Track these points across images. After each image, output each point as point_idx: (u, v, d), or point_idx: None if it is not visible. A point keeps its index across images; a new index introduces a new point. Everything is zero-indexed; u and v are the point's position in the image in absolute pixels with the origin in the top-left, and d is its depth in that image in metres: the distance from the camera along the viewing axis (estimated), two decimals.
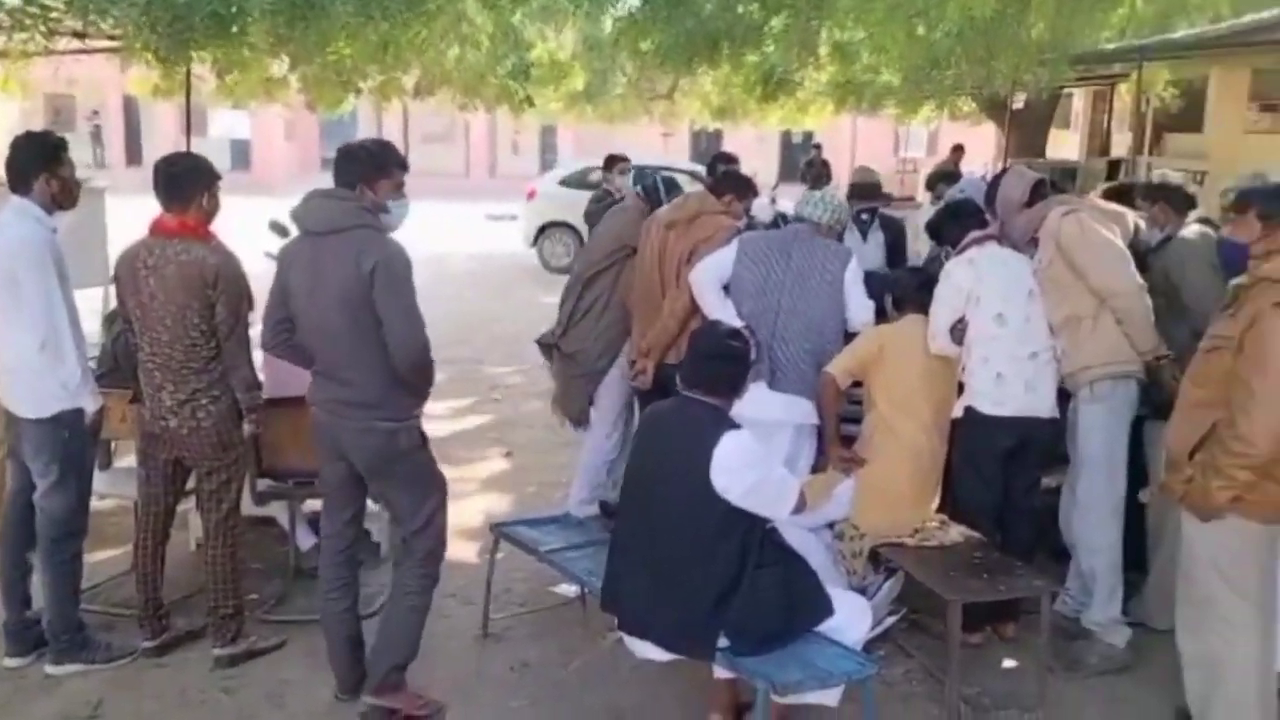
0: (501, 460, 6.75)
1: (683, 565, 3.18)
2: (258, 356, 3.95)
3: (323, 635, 3.73)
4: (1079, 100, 20.37)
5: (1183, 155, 14.56)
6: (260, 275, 3.73)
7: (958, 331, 4.06)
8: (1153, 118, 14.82)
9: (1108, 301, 4.00)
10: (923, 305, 4.22)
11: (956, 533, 3.94)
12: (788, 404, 4.29)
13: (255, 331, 3.79)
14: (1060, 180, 14.52)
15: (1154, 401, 4.06)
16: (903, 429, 4.07)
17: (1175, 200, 4.39)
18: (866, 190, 6.14)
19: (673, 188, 5.16)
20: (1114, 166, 14.95)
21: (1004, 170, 4.56)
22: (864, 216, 5.81)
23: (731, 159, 6.02)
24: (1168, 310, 4.13)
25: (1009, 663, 4.01)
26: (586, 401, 5.33)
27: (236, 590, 3.98)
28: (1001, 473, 4.07)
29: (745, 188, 4.92)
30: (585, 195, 15.25)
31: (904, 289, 4.34)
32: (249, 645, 4.01)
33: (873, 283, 4.51)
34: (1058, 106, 16.65)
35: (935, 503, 4.17)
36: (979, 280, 4.04)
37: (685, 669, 3.50)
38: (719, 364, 3.26)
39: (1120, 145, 18.04)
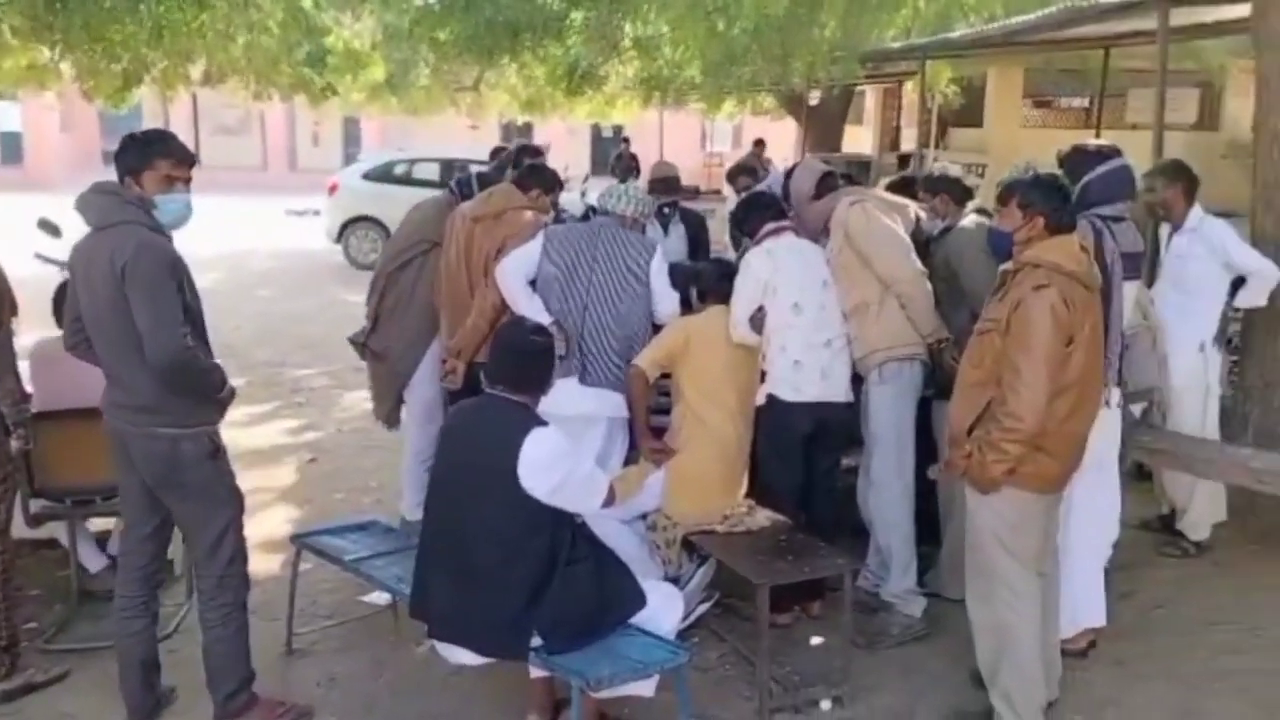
0: (306, 467, 6.49)
1: (492, 566, 3.13)
2: (25, 366, 3.64)
3: (113, 662, 3.48)
4: (870, 97, 21.33)
5: (966, 149, 15.50)
6: (30, 280, 3.44)
7: (757, 320, 4.16)
8: (938, 114, 15.66)
9: (892, 288, 4.19)
10: (725, 296, 4.30)
11: (764, 516, 4.04)
12: (598, 398, 4.29)
13: (28, 340, 3.49)
14: (856, 174, 15.26)
15: (938, 383, 4.29)
16: (710, 418, 4.14)
17: (954, 192, 4.64)
18: (666, 184, 6.22)
19: (488, 183, 5.06)
20: (904, 160, 15.75)
21: (795, 164, 4.71)
22: (665, 210, 5.88)
23: (538, 151, 5.96)
24: (948, 296, 4.35)
25: (816, 639, 4.14)
26: (396, 401, 5.20)
27: (9, 620, 3.67)
28: (803, 456, 4.20)
29: (552, 181, 4.90)
30: (390, 189, 14.99)
31: (707, 280, 4.41)
32: (26, 679, 3.70)
33: (677, 274, 4.56)
34: (851, 103, 17.35)
35: (743, 488, 4.26)
36: (776, 270, 4.15)
37: (500, 671, 3.46)
38: (523, 360, 3.22)
39: (909, 140, 19.02)
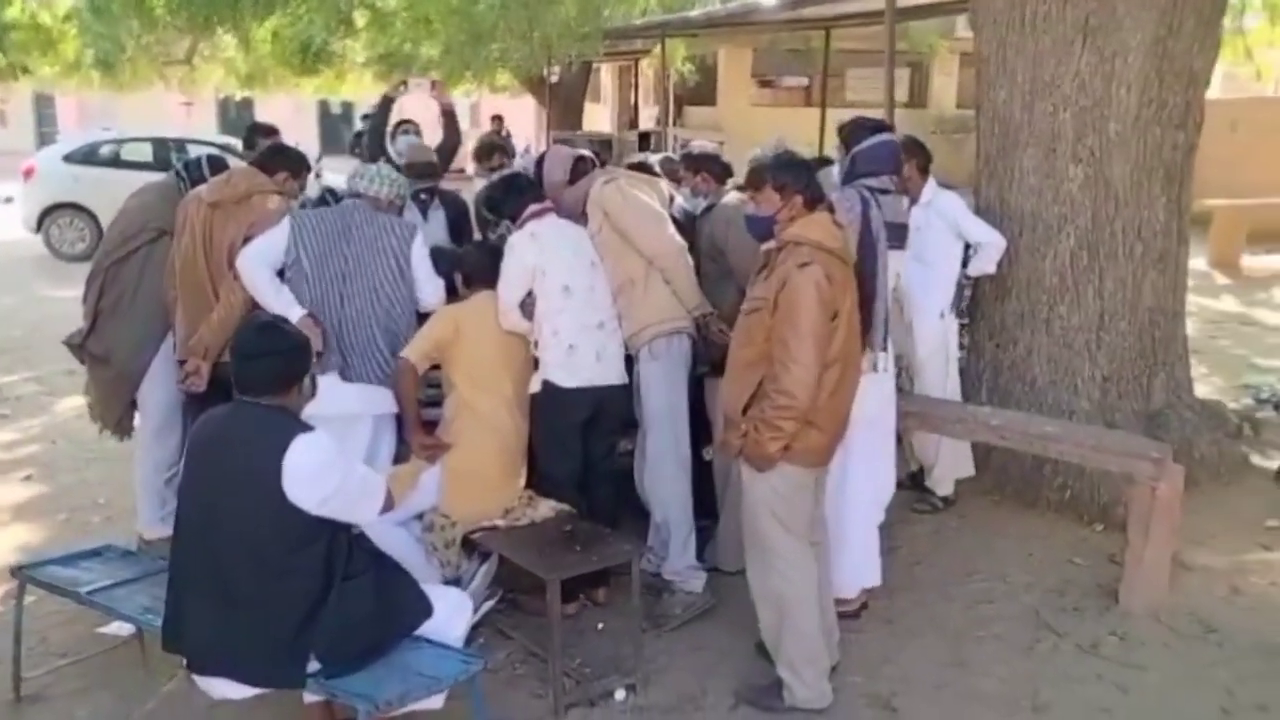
0: (20, 486, 5.77)
1: (257, 589, 2.84)
2: None
3: None
4: (607, 75, 21.58)
5: (701, 126, 15.94)
6: None
7: (527, 306, 4.02)
8: (674, 92, 16.04)
9: (655, 262, 4.16)
10: (492, 281, 4.13)
11: (546, 507, 3.92)
12: (364, 395, 4.02)
13: None
14: (600, 150, 15.38)
15: (710, 360, 4.31)
16: (485, 408, 3.97)
17: (715, 169, 4.66)
18: (422, 169, 5.92)
19: (219, 167, 4.60)
20: (645, 137, 16.04)
21: (543, 155, 4.59)
22: (423, 196, 5.61)
23: (272, 130, 5.50)
24: (715, 273, 4.38)
25: (602, 626, 4.08)
26: (126, 407, 4.69)
27: None
28: (581, 442, 4.10)
29: (299, 163, 4.52)
30: (97, 172, 13.63)
31: (472, 265, 4.22)
32: None
33: (440, 260, 4.35)
34: (589, 81, 17.48)
35: (523, 479, 4.12)
36: (542, 253, 4.02)
37: (271, 701, 3.15)
38: (265, 363, 2.91)
39: (647, 118, 19.40)
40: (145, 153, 14.07)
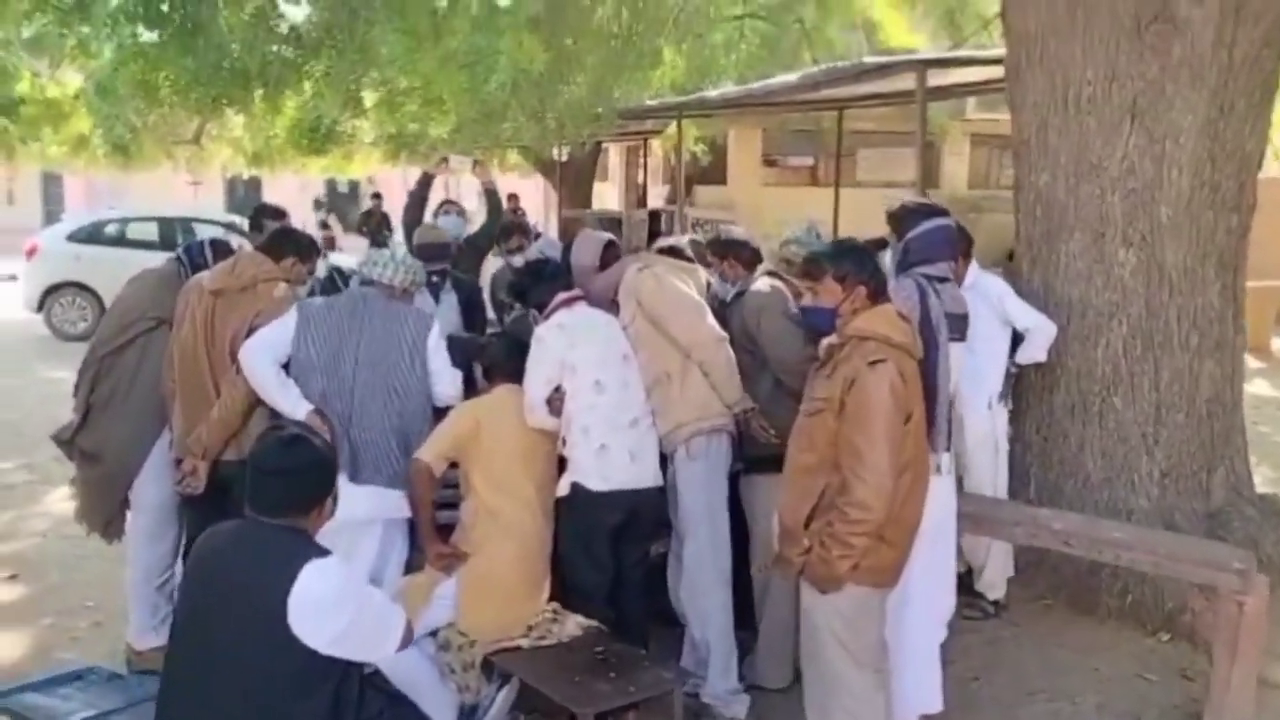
0: (3, 586, 5.40)
1: None
2: None
3: None
4: (614, 155, 21.59)
5: (711, 205, 15.81)
6: None
7: (555, 402, 3.72)
8: (684, 171, 15.98)
9: (692, 355, 3.88)
10: (515, 374, 3.84)
11: (574, 624, 3.57)
12: (374, 498, 3.70)
13: None
14: (609, 229, 15.24)
15: (746, 456, 4.00)
16: (506, 513, 3.65)
17: (743, 254, 4.39)
18: (434, 251, 5.66)
19: (223, 251, 4.34)
20: (654, 216, 15.92)
21: (573, 237, 4.32)
22: (434, 278, 5.35)
23: (279, 212, 5.25)
24: (749, 363, 4.08)
25: None
26: (117, 508, 4.35)
27: None
28: (612, 550, 3.76)
29: (308, 247, 4.26)
30: (100, 251, 13.46)
31: (495, 357, 3.93)
32: None
33: (457, 350, 4.06)
34: (598, 161, 17.45)
35: (547, 591, 3.77)
36: (572, 346, 3.73)
37: None
38: (287, 481, 2.59)
39: (656, 196, 19.35)
40: (151, 232, 13.92)
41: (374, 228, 17.57)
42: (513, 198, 14.49)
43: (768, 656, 4.05)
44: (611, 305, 4.03)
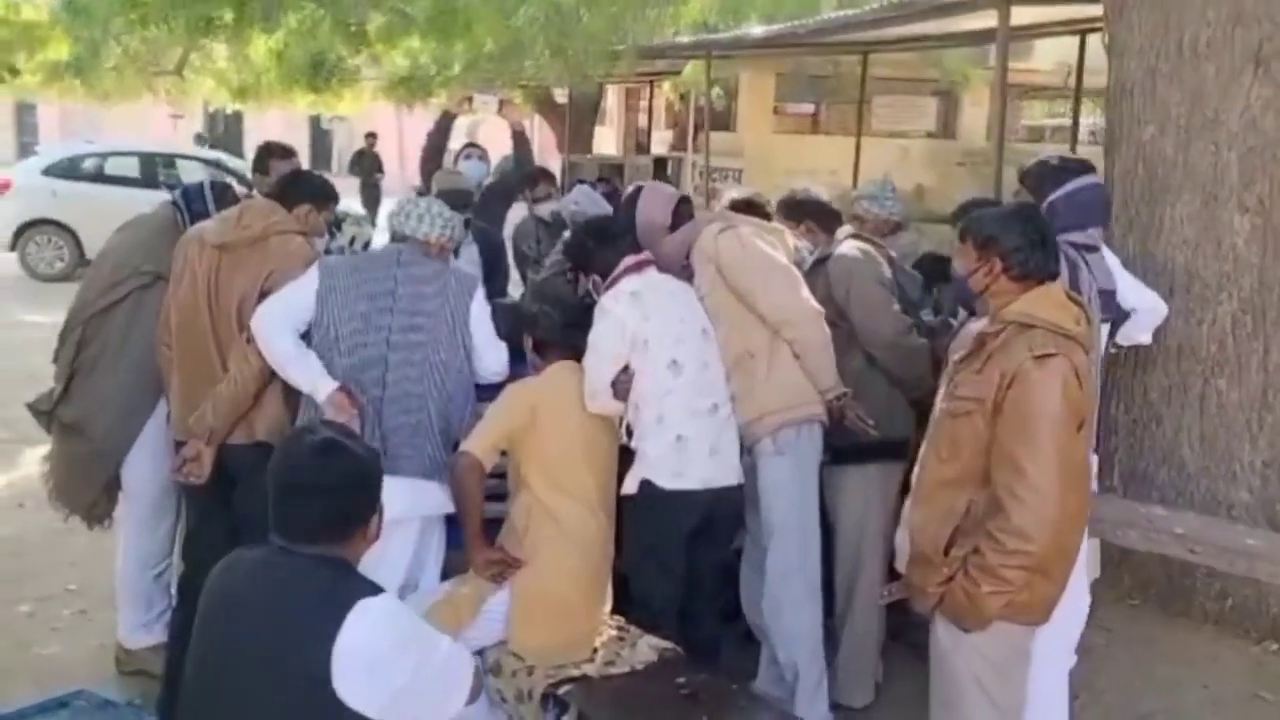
0: None
1: None
2: None
3: None
4: (612, 98, 20.80)
5: (719, 153, 15.14)
6: None
7: (622, 385, 3.18)
8: (692, 117, 15.33)
9: (782, 332, 3.35)
10: (572, 349, 3.31)
11: (646, 646, 3.06)
12: (410, 492, 3.14)
13: None
14: (609, 175, 14.58)
15: (833, 444, 3.48)
16: (565, 514, 3.12)
17: (822, 218, 3.85)
18: (454, 198, 5.04)
19: (226, 197, 3.74)
20: (660, 163, 15.28)
21: (638, 188, 3.73)
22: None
23: (289, 151, 4.62)
24: (837, 339, 3.55)
25: None
26: (102, 489, 3.81)
27: None
28: (685, 557, 3.25)
29: (324, 193, 3.66)
30: (78, 187, 12.76)
31: (548, 329, 3.37)
32: None
33: (502, 318, 3.50)
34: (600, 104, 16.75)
35: (609, 603, 3.26)
36: (645, 319, 3.19)
37: None
38: (322, 502, 2.04)
39: (659, 142, 18.65)
40: (131, 168, 13.25)
41: (366, 169, 16.86)
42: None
43: (850, 672, 3.58)
44: (680, 271, 3.48)
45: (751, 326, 3.32)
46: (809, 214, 3.87)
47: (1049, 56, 13.17)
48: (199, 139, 17.00)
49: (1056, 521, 2.41)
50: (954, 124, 16.35)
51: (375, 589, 2.01)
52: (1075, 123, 9.49)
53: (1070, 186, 3.18)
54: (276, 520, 2.02)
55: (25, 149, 22.32)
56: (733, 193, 3.90)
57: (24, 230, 12.73)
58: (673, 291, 3.30)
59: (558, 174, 14.97)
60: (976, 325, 2.63)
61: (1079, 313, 2.53)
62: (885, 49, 10.40)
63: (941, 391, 2.66)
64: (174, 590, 3.83)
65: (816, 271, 3.65)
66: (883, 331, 3.47)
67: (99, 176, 13.06)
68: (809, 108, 16.89)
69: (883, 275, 3.59)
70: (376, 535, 2.11)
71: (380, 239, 4.07)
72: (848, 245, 3.70)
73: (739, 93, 15.21)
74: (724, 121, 15.70)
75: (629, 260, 3.29)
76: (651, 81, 16.96)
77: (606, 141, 21.23)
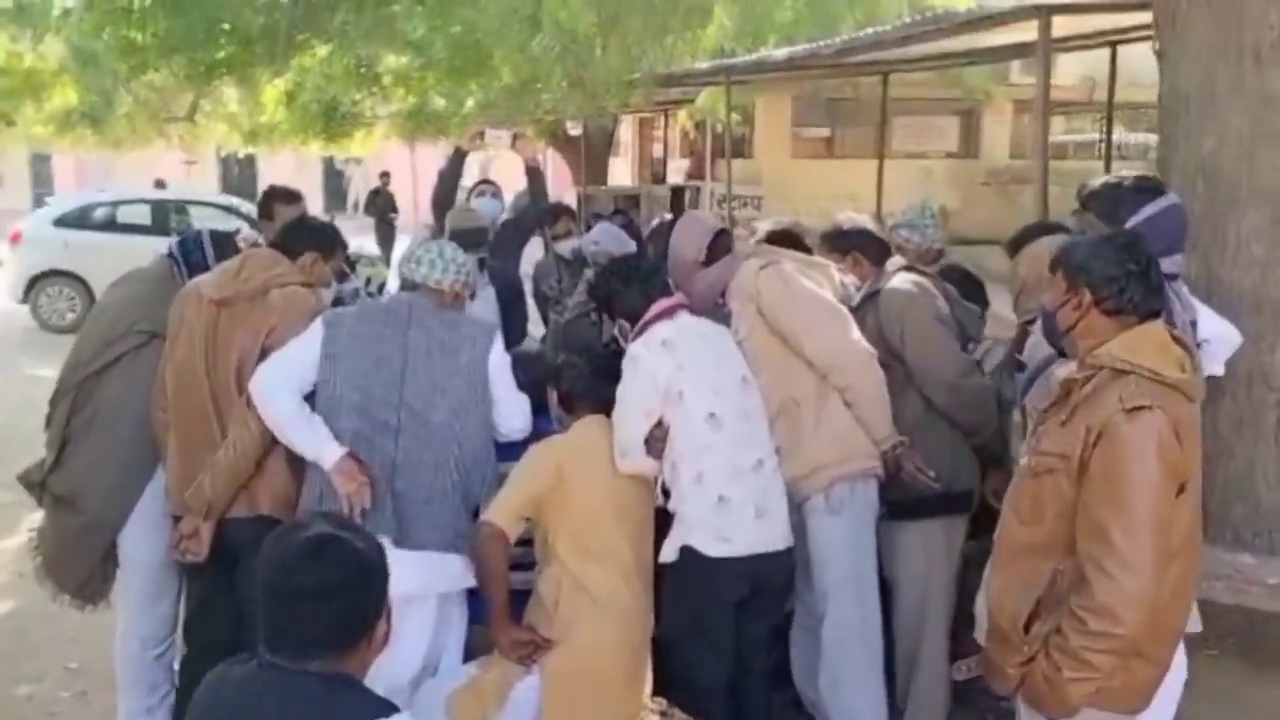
0: None
1: None
2: None
3: None
4: (626, 128, 20.64)
5: (737, 180, 14.92)
6: None
7: (656, 442, 2.89)
8: (708, 145, 15.09)
9: (830, 377, 3.05)
10: (601, 401, 3.02)
11: None
12: (428, 567, 2.87)
13: None
14: (626, 208, 14.36)
15: (889, 497, 3.18)
16: (599, 585, 2.83)
17: (870, 248, 3.55)
18: (469, 237, 4.80)
19: (225, 247, 3.49)
20: (677, 193, 15.03)
21: (672, 220, 3.44)
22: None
23: (293, 196, 4.37)
24: (891, 381, 3.25)
25: None
26: (97, 566, 3.53)
27: None
28: (733, 630, 2.94)
29: (331, 242, 3.40)
30: (90, 237, 12.62)
31: (574, 381, 3.09)
32: None
33: (523, 369, 3.22)
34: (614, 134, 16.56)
35: (649, 682, 2.96)
36: (679, 368, 2.90)
37: None
38: (317, 606, 1.72)
39: (675, 172, 18.43)
40: (143, 215, 13.09)
41: (381, 209, 16.71)
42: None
43: None
44: (715, 310, 3.20)
45: (797, 372, 3.04)
46: (855, 245, 3.56)
47: (1073, 71, 12.89)
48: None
49: (1151, 599, 2.10)
50: (976, 143, 16.04)
51: (386, 708, 1.72)
52: (1108, 137, 9.14)
53: (1150, 210, 2.88)
54: (267, 632, 1.72)
55: (40, 200, 22.36)
56: (768, 224, 3.61)
57: (36, 281, 12.59)
58: (707, 336, 3.02)
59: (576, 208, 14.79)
60: (1063, 369, 2.33)
61: (1183, 356, 2.21)
62: (909, 68, 10.16)
63: (1025, 443, 2.36)
64: (178, 671, 3.56)
65: (865, 308, 3.35)
66: (942, 372, 3.17)
67: (111, 225, 12.91)
68: (825, 131, 16.65)
69: (940, 310, 3.30)
70: (384, 643, 1.81)
71: (395, 281, 3.83)
72: (899, 279, 3.40)
73: (755, 118, 14.97)
74: (740, 148, 15.48)
75: (660, 304, 3.01)
76: (666, 110, 16.78)
77: (621, 173, 21.05)
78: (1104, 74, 7.95)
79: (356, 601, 1.75)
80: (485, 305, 4.79)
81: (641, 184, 19.14)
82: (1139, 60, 7.14)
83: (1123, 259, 2.25)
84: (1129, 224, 2.81)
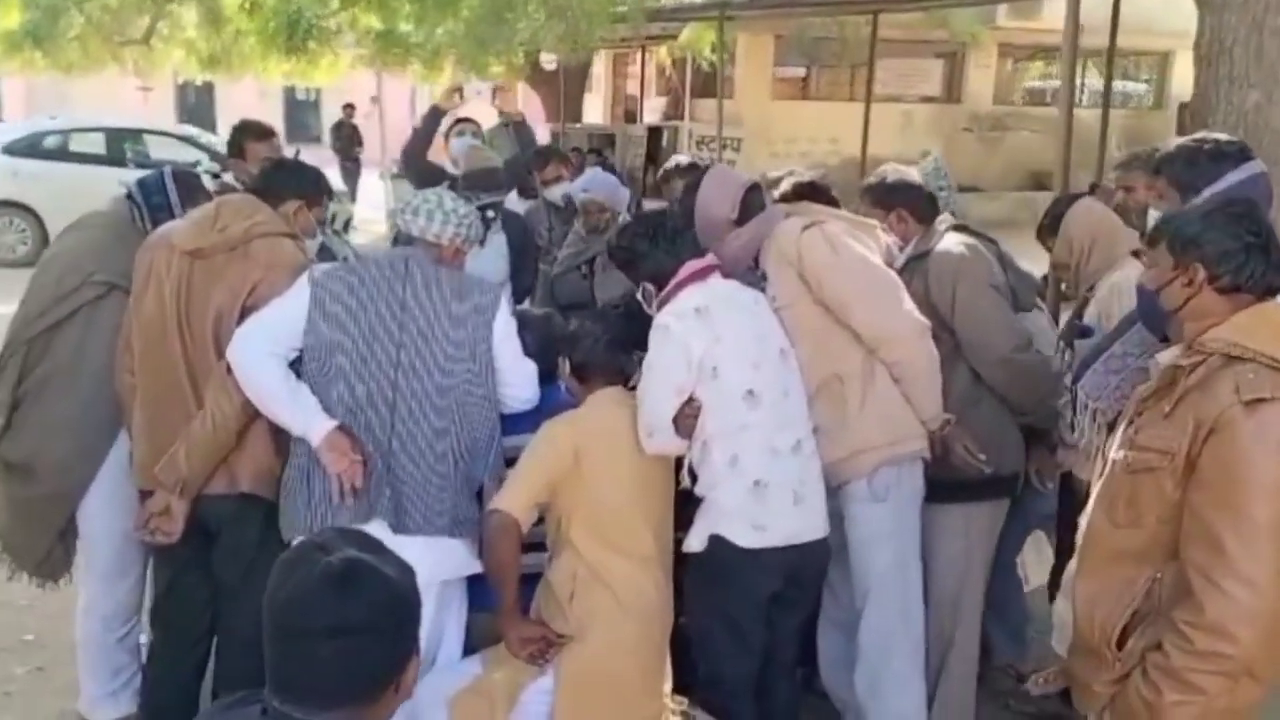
0: None
1: None
2: None
3: None
4: (600, 65, 20.06)
5: (714, 121, 14.54)
6: None
7: (685, 420, 2.60)
8: (684, 84, 14.67)
9: (879, 351, 2.78)
10: (618, 371, 2.73)
11: None
12: (429, 554, 2.55)
13: None
14: (600, 146, 13.91)
15: (931, 478, 2.92)
16: (619, 576, 2.57)
17: (918, 205, 3.22)
18: (485, 179, 4.40)
19: (191, 188, 3.12)
20: (654, 133, 14.60)
21: (699, 175, 3.10)
22: (489, 214, 4.14)
23: (267, 132, 3.98)
24: (941, 353, 2.97)
25: None
26: (56, 539, 3.22)
27: None
28: (764, 626, 2.69)
29: (316, 188, 3.05)
30: (41, 166, 12.01)
31: (588, 346, 2.78)
32: None
33: (533, 332, 2.92)
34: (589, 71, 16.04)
35: (670, 680, 2.71)
36: (716, 340, 2.60)
37: None
38: (340, 649, 1.41)
39: (651, 111, 17.95)
40: (98, 143, 12.52)
41: (345, 143, 16.13)
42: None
43: None
44: (748, 273, 2.90)
45: (842, 345, 2.75)
46: (903, 200, 3.22)
47: (1059, 13, 12.55)
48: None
49: (1268, 617, 1.86)
50: (959, 88, 15.71)
51: None
52: (1107, 84, 8.75)
53: (1234, 177, 2.58)
54: (275, 675, 1.43)
55: None
56: (791, 177, 3.28)
57: None
58: (744, 304, 2.71)
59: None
60: (1167, 354, 2.07)
61: None
62: (900, 8, 9.79)
63: (1119, 436, 2.10)
64: (144, 653, 3.27)
65: (912, 270, 3.05)
66: (995, 345, 2.90)
67: (63, 154, 12.35)
68: (800, 71, 16.24)
69: (995, 276, 3.02)
70: (411, 690, 1.52)
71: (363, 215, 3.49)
72: (950, 239, 3.08)
73: (736, 57, 14.53)
74: (715, 88, 15.08)
75: (691, 265, 2.70)
76: (644, 46, 16.26)
77: (594, 110, 20.50)
78: (1095, 19, 7.65)
79: (386, 642, 1.45)
80: (497, 254, 4.45)
81: (614, 123, 18.66)
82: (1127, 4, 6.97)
83: (1239, 230, 1.98)
84: (1205, 193, 2.52)
